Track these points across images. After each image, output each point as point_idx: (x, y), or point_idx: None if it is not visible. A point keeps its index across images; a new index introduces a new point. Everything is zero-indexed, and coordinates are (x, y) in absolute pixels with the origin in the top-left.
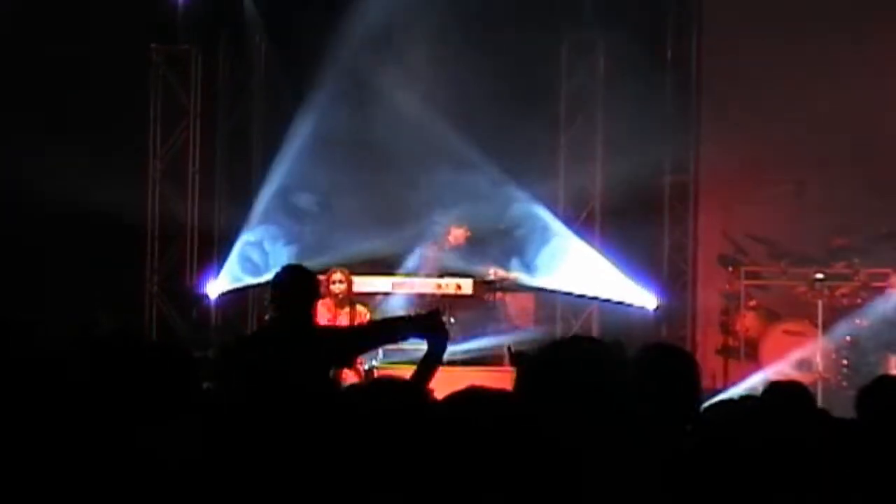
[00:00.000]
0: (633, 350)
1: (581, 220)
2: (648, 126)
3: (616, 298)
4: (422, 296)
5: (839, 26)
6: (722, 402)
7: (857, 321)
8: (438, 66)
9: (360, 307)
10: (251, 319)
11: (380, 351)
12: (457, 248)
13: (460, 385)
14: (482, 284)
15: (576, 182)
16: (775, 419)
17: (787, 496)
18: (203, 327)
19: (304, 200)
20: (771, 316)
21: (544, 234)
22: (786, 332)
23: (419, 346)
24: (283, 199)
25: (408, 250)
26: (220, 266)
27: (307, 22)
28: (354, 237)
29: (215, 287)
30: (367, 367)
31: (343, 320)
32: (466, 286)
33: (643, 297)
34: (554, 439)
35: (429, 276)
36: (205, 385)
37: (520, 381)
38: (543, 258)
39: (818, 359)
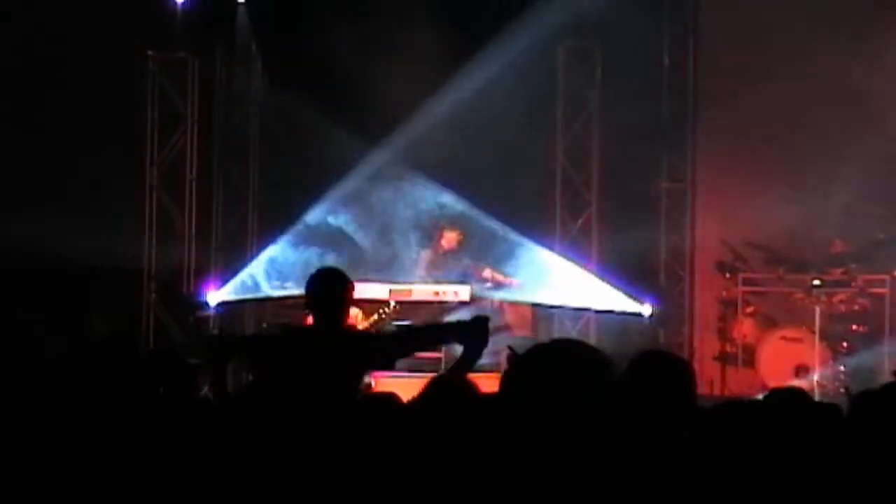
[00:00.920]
0: (628, 357)
1: (578, 227)
2: (645, 133)
3: (610, 308)
4: (419, 303)
5: (837, 32)
6: (722, 405)
7: (854, 327)
8: (434, 72)
9: (352, 310)
10: (248, 328)
11: None
12: (450, 252)
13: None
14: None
15: (572, 188)
16: (775, 421)
17: (786, 497)
18: (201, 334)
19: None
20: (768, 322)
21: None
22: (783, 338)
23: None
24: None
25: (403, 255)
26: (232, 275)
27: (303, 29)
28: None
29: (216, 296)
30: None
31: None
32: (464, 293)
33: (637, 306)
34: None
35: (425, 280)
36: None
37: (504, 381)
38: (534, 271)
39: (815, 366)
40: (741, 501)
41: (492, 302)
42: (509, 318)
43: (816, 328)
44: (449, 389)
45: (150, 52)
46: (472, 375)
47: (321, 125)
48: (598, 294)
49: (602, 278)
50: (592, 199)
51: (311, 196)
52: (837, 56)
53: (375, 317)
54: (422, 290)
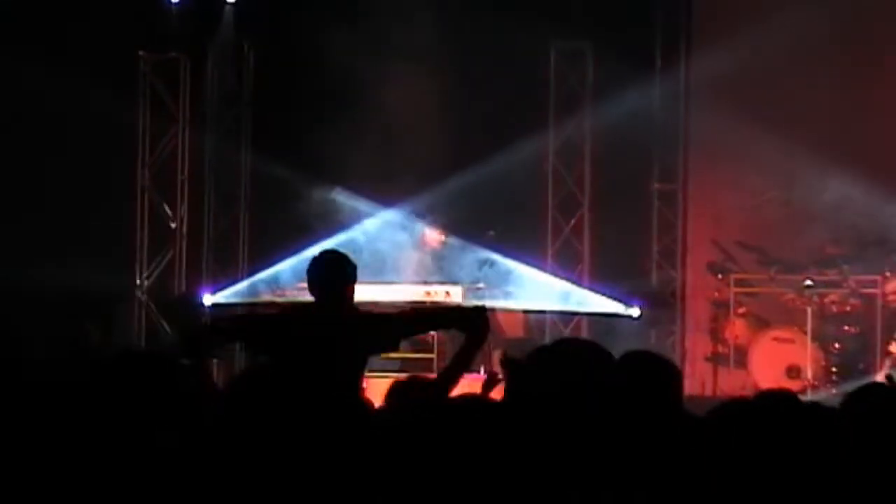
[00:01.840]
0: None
1: (570, 227)
2: (637, 133)
3: (597, 311)
4: (410, 303)
5: (830, 34)
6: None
7: (846, 328)
8: (426, 72)
9: None
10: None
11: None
12: (433, 251)
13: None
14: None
15: (564, 189)
16: (765, 421)
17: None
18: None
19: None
20: (760, 323)
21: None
22: (775, 339)
23: (405, 355)
24: None
25: (391, 255)
26: (225, 277)
27: (295, 29)
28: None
29: (211, 298)
30: None
31: None
32: (455, 294)
33: (625, 309)
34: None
35: (414, 281)
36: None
37: (509, 386)
38: (522, 279)
39: (807, 366)
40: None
41: (483, 302)
42: (500, 318)
43: (808, 329)
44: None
45: (141, 54)
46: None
47: (313, 126)
48: (585, 299)
49: (590, 282)
50: (584, 200)
51: (302, 198)
52: (833, 57)
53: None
54: (413, 291)
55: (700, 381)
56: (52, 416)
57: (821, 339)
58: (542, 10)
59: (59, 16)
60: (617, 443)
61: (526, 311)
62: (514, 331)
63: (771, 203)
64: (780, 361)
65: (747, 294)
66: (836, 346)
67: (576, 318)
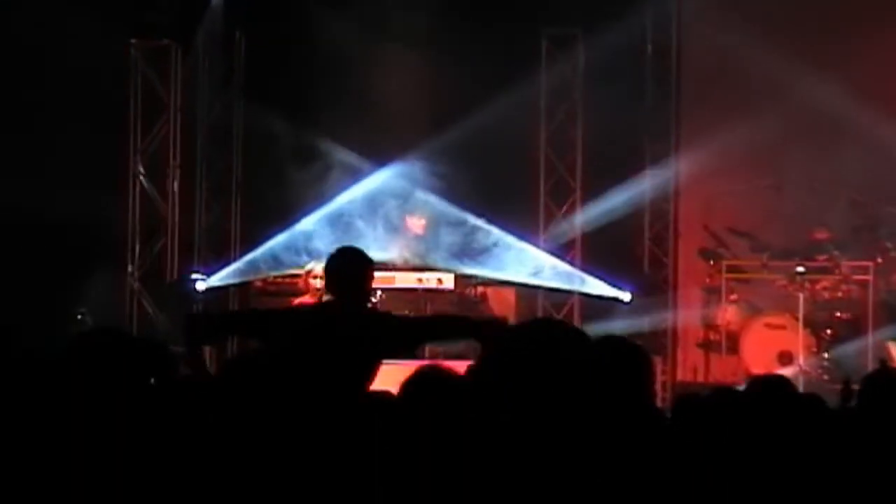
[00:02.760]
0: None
1: (562, 214)
2: (629, 120)
3: (589, 292)
4: (402, 290)
5: (818, 22)
6: (699, 396)
7: (838, 314)
8: (418, 58)
9: None
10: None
11: None
12: (416, 238)
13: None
14: (463, 278)
15: (556, 175)
16: (759, 410)
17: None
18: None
19: None
20: (752, 309)
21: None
22: (767, 325)
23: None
24: None
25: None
26: (218, 262)
27: (286, 16)
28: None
29: (204, 283)
30: None
31: None
32: (448, 280)
33: (617, 292)
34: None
35: (403, 268)
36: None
37: (481, 362)
38: (514, 256)
39: (799, 352)
40: (723, 489)
41: (475, 288)
42: (493, 304)
43: (800, 315)
44: (430, 380)
45: (132, 41)
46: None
47: (305, 112)
48: (578, 279)
49: (582, 268)
50: (577, 187)
51: (294, 184)
52: (823, 42)
53: None
54: (404, 278)
55: (692, 367)
56: (42, 405)
57: (812, 326)
58: None
59: (50, 4)
60: (581, 427)
61: (518, 285)
62: (505, 315)
63: (763, 189)
64: (771, 348)
65: (739, 280)
66: (828, 332)
67: (568, 304)
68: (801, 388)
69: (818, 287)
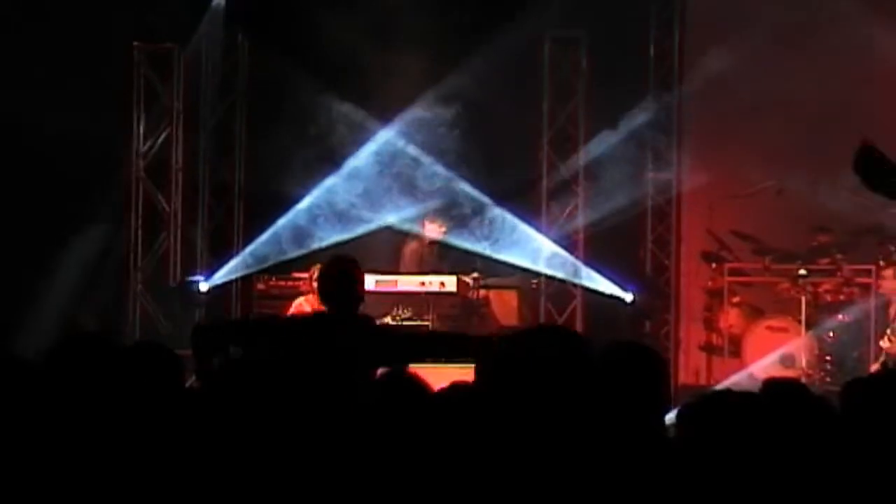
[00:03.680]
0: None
1: (564, 217)
2: (631, 122)
3: (594, 287)
4: (405, 294)
5: (822, 24)
6: (707, 397)
7: (841, 317)
8: (422, 61)
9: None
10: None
11: None
12: (434, 243)
13: (440, 382)
14: (466, 282)
15: (559, 178)
16: (774, 416)
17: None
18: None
19: None
20: (754, 312)
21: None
22: (769, 328)
23: None
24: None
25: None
26: (220, 264)
27: (289, 18)
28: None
29: (206, 283)
30: None
31: None
32: (450, 284)
33: (619, 291)
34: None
35: (410, 272)
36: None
37: (481, 369)
38: (520, 242)
39: (802, 355)
40: (734, 491)
41: (477, 292)
42: (495, 307)
43: (802, 318)
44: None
45: (135, 44)
46: (447, 366)
47: (307, 115)
48: (583, 273)
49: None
50: (578, 189)
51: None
52: (826, 44)
53: (388, 319)
54: (407, 281)
55: (694, 370)
56: (50, 407)
57: (815, 329)
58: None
59: (52, 6)
60: (592, 435)
61: (525, 270)
62: (507, 318)
63: (765, 192)
64: (774, 350)
65: (741, 283)
66: (831, 335)
67: (571, 307)
68: None
69: (820, 290)
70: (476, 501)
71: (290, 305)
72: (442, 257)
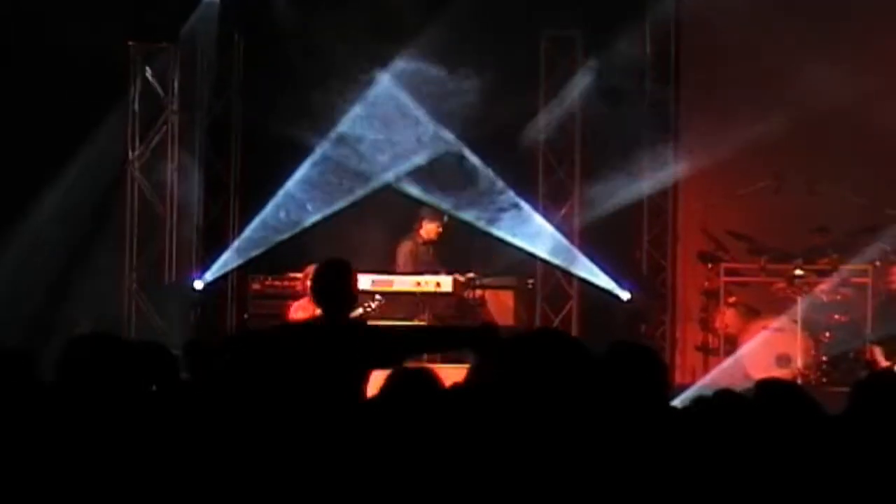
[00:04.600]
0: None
1: (561, 215)
2: (628, 122)
3: (591, 281)
4: (401, 293)
5: (819, 24)
6: (704, 398)
7: (837, 317)
8: (416, 59)
9: None
10: (230, 318)
11: None
12: (429, 242)
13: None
14: (462, 282)
15: (555, 177)
16: (768, 417)
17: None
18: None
19: None
20: (751, 312)
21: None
22: (765, 328)
23: None
24: None
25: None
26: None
27: (284, 17)
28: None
29: (201, 281)
30: None
31: None
32: (446, 284)
33: (616, 288)
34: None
35: (405, 272)
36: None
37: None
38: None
39: (798, 355)
40: (734, 490)
41: (473, 292)
42: (491, 307)
43: (799, 318)
44: (411, 382)
45: (131, 43)
46: (443, 366)
47: (303, 113)
48: (581, 265)
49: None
50: (575, 189)
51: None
52: (824, 45)
53: (360, 311)
54: (403, 281)
55: (690, 370)
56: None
57: (811, 329)
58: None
59: (49, 5)
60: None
61: (528, 253)
62: (504, 318)
63: (762, 192)
64: (770, 351)
65: (738, 283)
66: (827, 335)
67: (567, 307)
68: None
69: (817, 290)
70: (483, 498)
71: (284, 306)
72: (438, 257)
